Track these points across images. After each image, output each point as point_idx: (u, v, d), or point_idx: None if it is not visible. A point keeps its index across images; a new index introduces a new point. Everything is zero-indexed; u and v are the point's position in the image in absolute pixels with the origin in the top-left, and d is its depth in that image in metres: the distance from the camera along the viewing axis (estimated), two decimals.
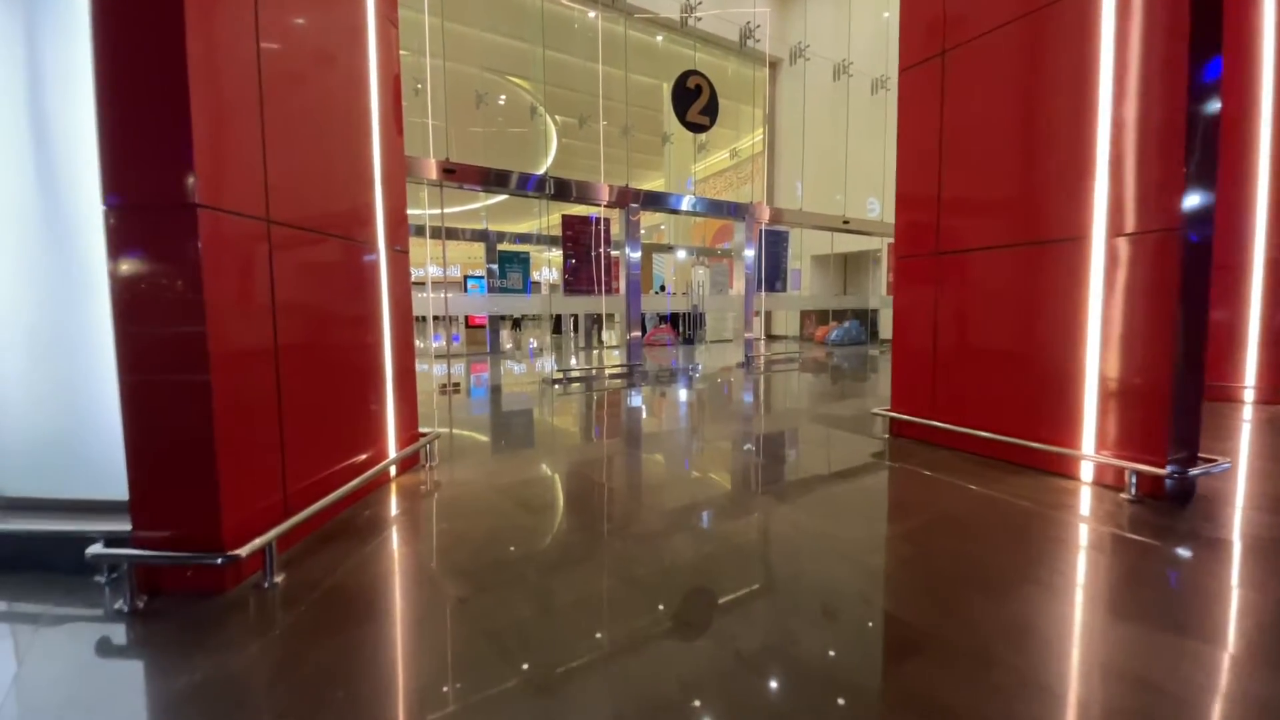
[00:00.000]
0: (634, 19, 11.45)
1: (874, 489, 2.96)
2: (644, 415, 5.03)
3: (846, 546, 2.20)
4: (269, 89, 2.09)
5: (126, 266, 1.77)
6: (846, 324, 12.41)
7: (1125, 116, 2.71)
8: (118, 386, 1.79)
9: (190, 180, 1.74)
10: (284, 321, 2.15)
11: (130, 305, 1.77)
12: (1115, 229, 2.77)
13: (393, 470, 2.99)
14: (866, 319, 12.25)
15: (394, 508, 2.67)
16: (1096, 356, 2.87)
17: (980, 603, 1.75)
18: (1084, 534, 2.32)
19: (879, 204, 11.92)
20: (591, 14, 11.28)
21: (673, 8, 10.40)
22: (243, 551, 1.78)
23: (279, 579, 1.93)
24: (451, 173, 6.15)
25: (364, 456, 2.76)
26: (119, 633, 1.69)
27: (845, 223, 10.01)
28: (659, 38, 12.68)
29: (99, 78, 1.74)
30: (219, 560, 1.75)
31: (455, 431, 4.29)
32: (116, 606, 1.77)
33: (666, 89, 15.62)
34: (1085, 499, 2.70)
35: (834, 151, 11.53)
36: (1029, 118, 3.09)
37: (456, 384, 6.53)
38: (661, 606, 1.74)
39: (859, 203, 11.81)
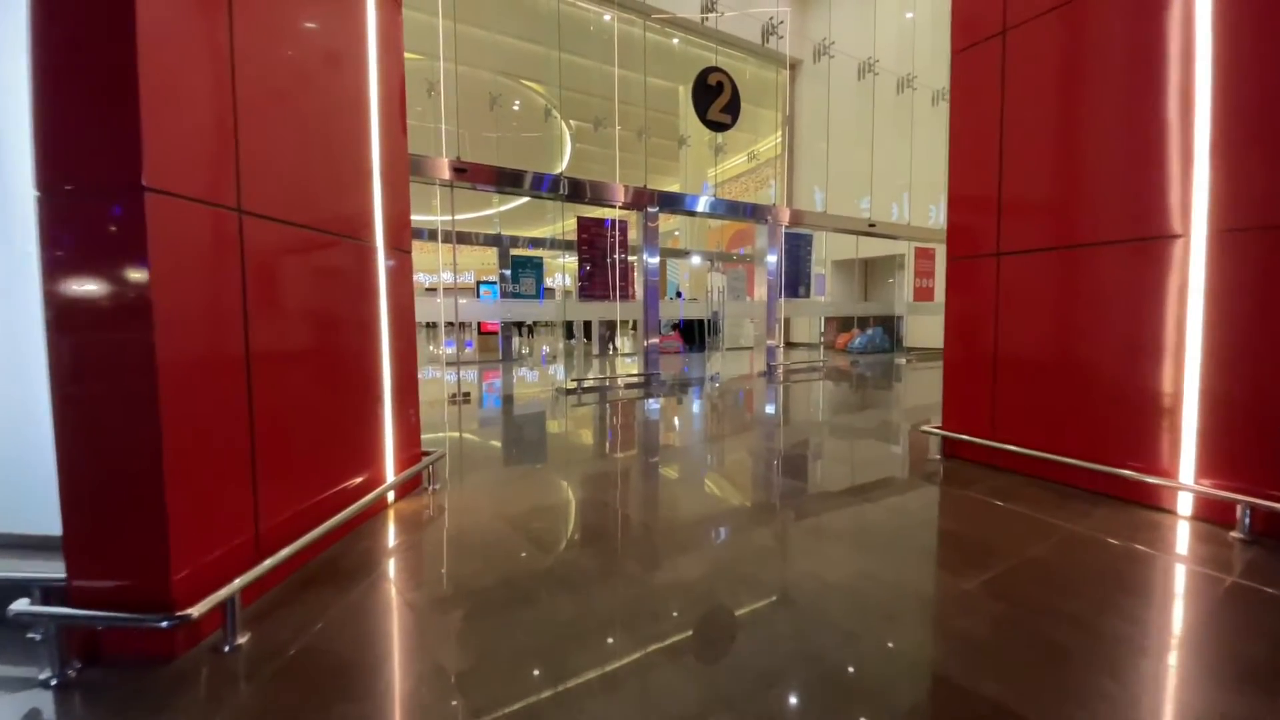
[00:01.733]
0: (651, 20, 11.18)
1: (939, 525, 2.58)
2: (665, 430, 4.67)
3: (925, 603, 1.83)
4: (243, 65, 1.78)
5: (60, 262, 1.46)
6: (870, 331, 11.96)
7: (1239, 93, 2.33)
8: (50, 403, 1.48)
9: (137, 159, 1.43)
10: (259, 327, 1.83)
11: (64, 307, 1.46)
12: (1223, 223, 2.39)
13: (391, 495, 2.66)
14: (891, 326, 11.80)
15: (389, 540, 2.34)
16: (1198, 370, 2.48)
17: (1111, 688, 1.37)
18: (1201, 584, 1.93)
19: (906, 207, 11.51)
20: (607, 16, 11.03)
21: (690, 8, 10.12)
22: (194, 611, 1.45)
23: (242, 640, 1.60)
24: (463, 172, 5.87)
25: (358, 481, 2.43)
26: (47, 706, 1.38)
27: (871, 226, 9.61)
28: (675, 40, 12.40)
29: (34, 38, 1.45)
30: (162, 623, 1.42)
31: (463, 446, 3.96)
32: (42, 676, 1.45)
33: (683, 92, 15.34)
34: (1186, 537, 2.31)
35: (857, 153, 11.15)
36: (1110, 99, 2.71)
37: (467, 393, 6.23)
38: (705, 689, 1.39)
39: (884, 205, 11.41)
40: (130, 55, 1.42)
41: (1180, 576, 2.04)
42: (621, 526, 2.51)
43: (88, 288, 1.45)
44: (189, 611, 1.44)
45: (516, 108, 14.93)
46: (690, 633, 1.65)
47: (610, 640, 1.61)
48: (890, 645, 1.58)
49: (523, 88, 14.25)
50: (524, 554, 2.18)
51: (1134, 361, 2.66)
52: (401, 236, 2.78)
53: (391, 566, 2.12)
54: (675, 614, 1.74)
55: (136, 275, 1.44)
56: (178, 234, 1.54)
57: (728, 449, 3.99)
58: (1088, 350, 2.84)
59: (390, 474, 2.65)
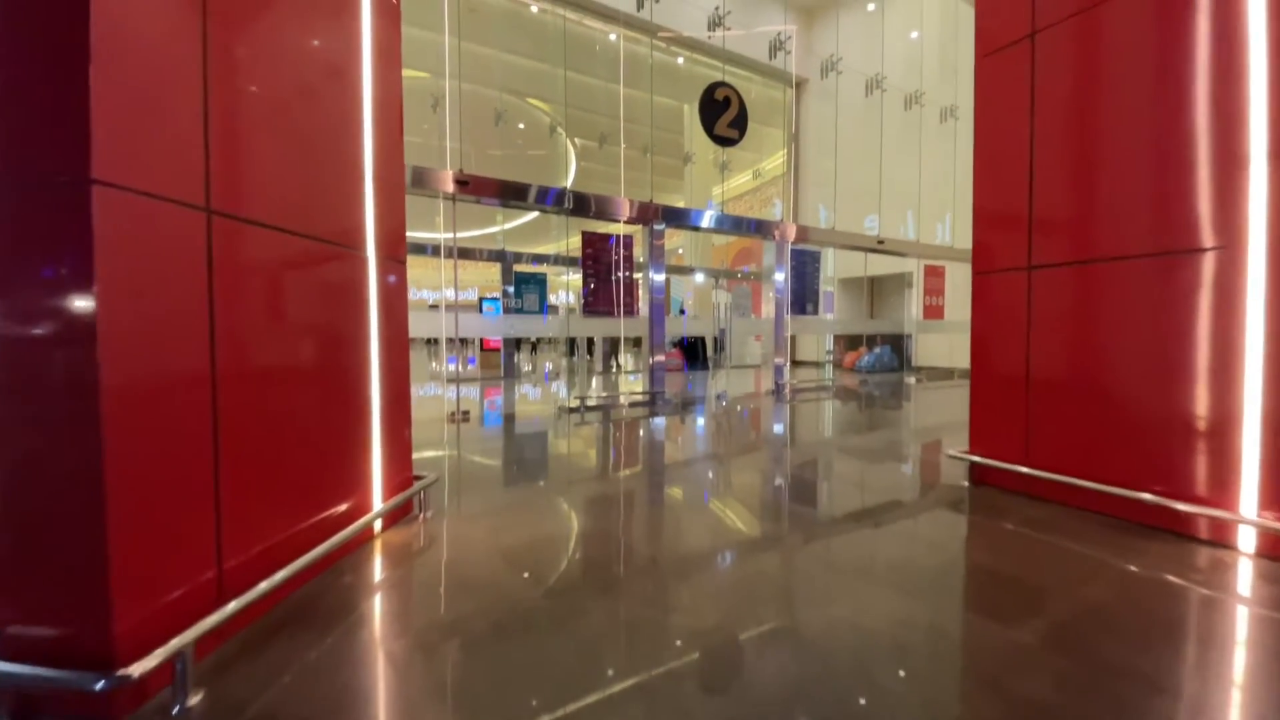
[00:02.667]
0: (657, 38, 11.18)
1: (979, 561, 2.36)
2: (674, 453, 4.46)
3: (977, 658, 1.60)
4: (220, 53, 1.63)
5: None
6: (878, 349, 11.75)
7: None
8: None
9: (86, 147, 1.25)
10: (228, 340, 1.64)
11: None
12: None
13: (377, 525, 2.45)
14: (899, 345, 11.59)
15: (374, 575, 2.13)
16: (1259, 391, 2.27)
17: None
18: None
19: (910, 224, 11.37)
20: (612, 36, 11.04)
21: (696, 26, 10.11)
22: (134, 670, 1.24)
23: (195, 700, 1.39)
24: (465, 184, 5.74)
25: (341, 509, 2.23)
26: None
27: (880, 243, 9.46)
28: (680, 59, 12.41)
29: None
30: (95, 685, 1.21)
31: (460, 468, 3.75)
32: None
33: (687, 110, 15.36)
34: (1250, 576, 2.08)
35: (864, 170, 11.05)
36: (1154, 101, 2.54)
37: (466, 412, 6.03)
38: None
39: (892, 222, 11.27)
40: (83, 30, 1.26)
41: (1258, 625, 1.81)
42: (630, 564, 2.29)
43: (21, 292, 1.27)
44: (128, 671, 1.24)
45: (522, 126, 14.96)
46: (710, 694, 1.43)
47: (619, 704, 1.39)
48: (945, 714, 1.35)
49: (528, 106, 14.29)
50: (521, 594, 1.96)
51: (1186, 383, 2.45)
52: (396, 246, 2.61)
53: (374, 608, 1.91)
54: (690, 666, 1.52)
55: (79, 278, 1.26)
56: (132, 233, 1.36)
57: (741, 475, 3.78)
58: (1133, 370, 2.63)
59: (378, 501, 2.44)
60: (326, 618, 1.79)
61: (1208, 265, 2.39)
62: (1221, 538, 2.35)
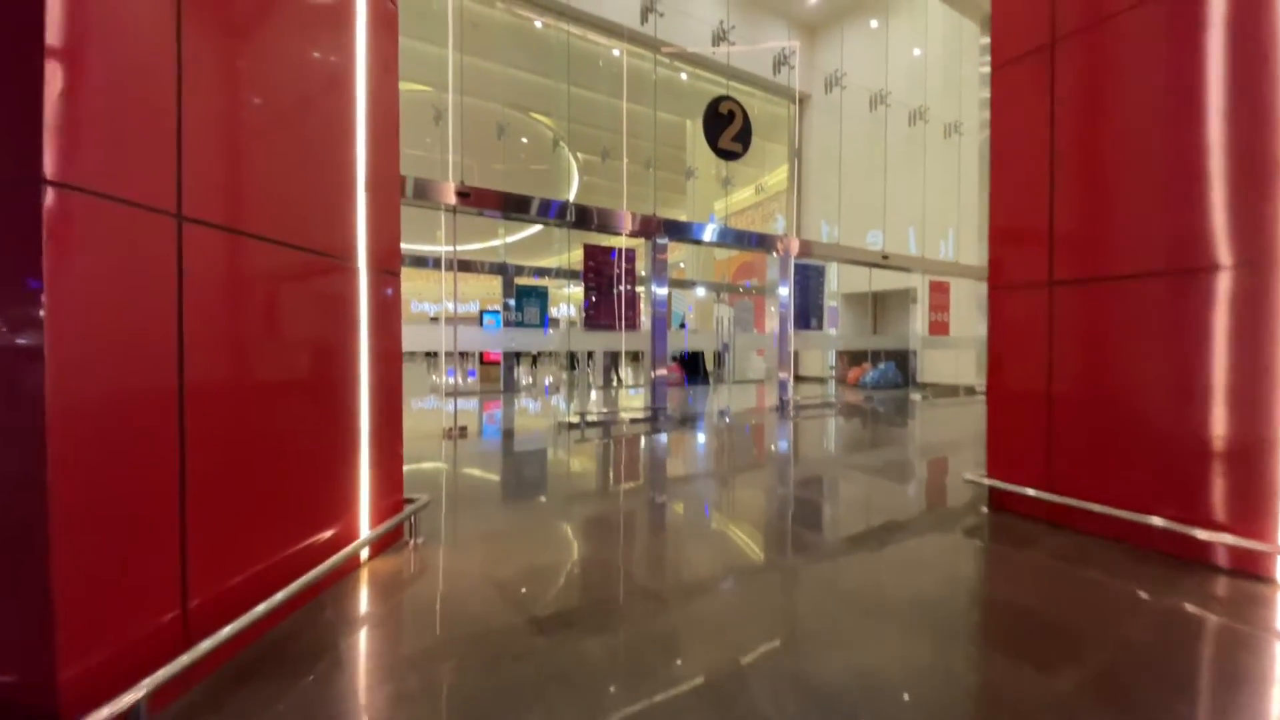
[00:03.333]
0: (661, 54, 11.21)
1: (1005, 597, 2.21)
2: (679, 474, 4.31)
3: (1019, 715, 1.45)
4: (193, 54, 1.52)
5: None
6: (882, 366, 11.62)
7: None
8: None
9: (38, 145, 1.14)
10: (200, 354, 1.52)
11: None
12: None
13: (365, 553, 2.31)
14: (905, 361, 11.46)
15: (359, 608, 1.98)
16: None
17: None
18: None
19: (912, 239, 11.29)
20: (616, 51, 11.05)
21: (699, 42, 10.12)
22: None
23: None
24: (466, 196, 5.65)
25: (325, 536, 2.09)
26: None
27: (885, 258, 9.37)
28: (683, 75, 12.43)
29: None
30: None
31: (456, 488, 3.61)
32: None
33: (690, 126, 15.40)
34: None
35: (867, 185, 11.01)
36: (1189, 106, 2.44)
37: (464, 427, 5.88)
38: None
39: (896, 238, 11.20)
40: (38, 20, 1.15)
41: None
42: (634, 602, 2.14)
43: None
44: None
45: (525, 141, 14.99)
46: None
47: None
48: None
49: (531, 121, 14.32)
50: (516, 635, 1.81)
51: (1225, 406, 2.32)
52: (390, 258, 2.50)
53: (355, 647, 1.76)
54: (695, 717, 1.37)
55: (27, 286, 1.13)
56: (89, 238, 1.24)
57: (750, 499, 3.63)
58: (1170, 392, 2.49)
59: (365, 528, 2.30)
60: (304, 659, 1.64)
61: (1257, 281, 2.26)
62: (1258, 569, 2.20)
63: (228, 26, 1.66)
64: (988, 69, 3.15)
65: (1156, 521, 2.41)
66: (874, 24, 11.88)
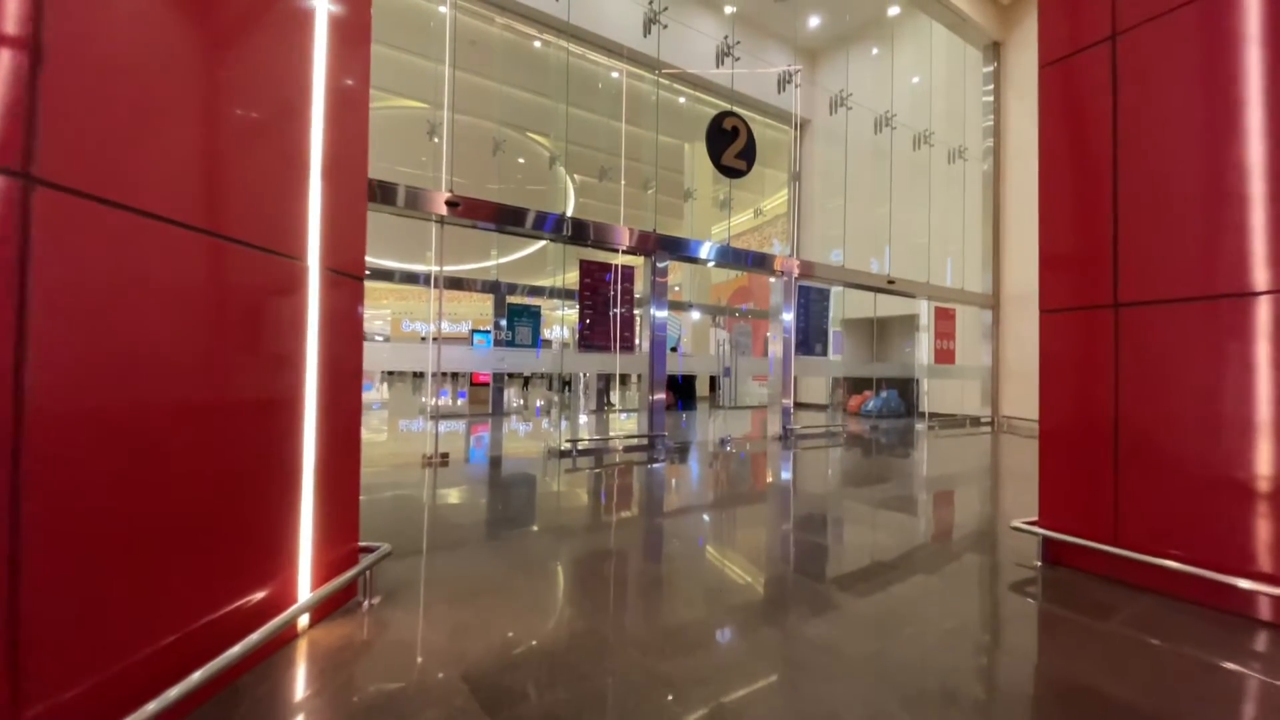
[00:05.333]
0: (661, 74, 11.05)
1: (1087, 681, 1.78)
2: (682, 515, 3.87)
3: None
4: None
5: None
6: (884, 394, 11.25)
7: None
8: None
9: None
10: (53, 365, 1.11)
11: None
12: None
13: (304, 619, 1.86)
14: (909, 390, 11.10)
15: (289, 698, 1.53)
16: None
17: None
18: None
19: (913, 264, 11.03)
20: (615, 74, 10.88)
21: (700, 63, 9.96)
22: None
23: None
24: (456, 206, 5.29)
25: (251, 601, 1.65)
26: None
27: (890, 282, 9.08)
28: (682, 99, 12.28)
29: None
30: None
31: (428, 529, 3.15)
32: None
33: (688, 148, 15.25)
34: None
35: (869, 211, 10.79)
36: None
37: (445, 454, 5.42)
38: None
39: (899, 264, 10.95)
40: None
41: None
42: (637, 692, 1.71)
43: None
44: None
45: (521, 161, 14.79)
46: None
47: None
48: None
49: (528, 140, 14.13)
50: None
51: None
52: (347, 255, 2.10)
53: None
54: None
55: None
56: None
57: (770, 549, 3.20)
58: (1266, 430, 2.11)
59: (305, 588, 1.85)
60: None
61: None
62: None
63: None
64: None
65: (1261, 589, 2.01)
66: (875, 51, 11.81)
